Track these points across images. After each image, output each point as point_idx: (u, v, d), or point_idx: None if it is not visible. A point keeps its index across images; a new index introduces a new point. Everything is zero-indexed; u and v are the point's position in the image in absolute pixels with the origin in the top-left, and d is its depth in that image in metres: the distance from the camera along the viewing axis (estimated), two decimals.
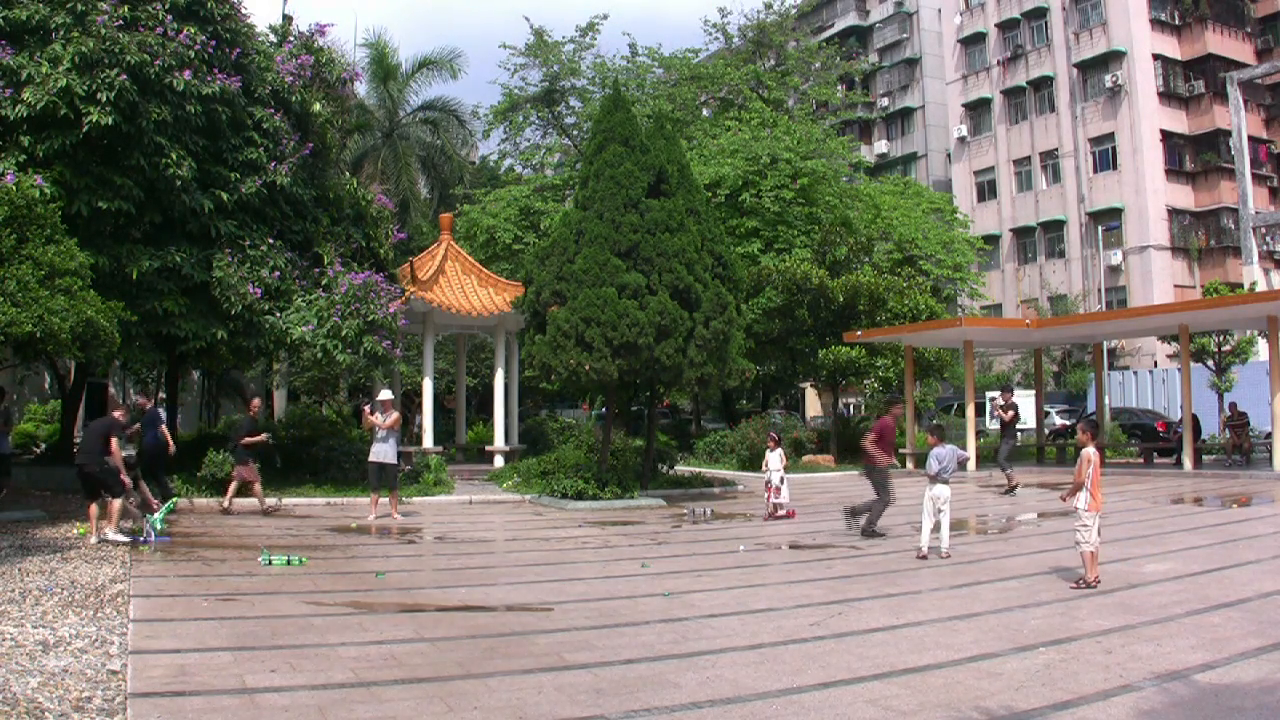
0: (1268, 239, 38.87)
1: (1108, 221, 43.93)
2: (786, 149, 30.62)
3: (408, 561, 10.62)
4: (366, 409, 14.92)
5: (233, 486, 14.60)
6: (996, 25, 49.89)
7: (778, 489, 14.27)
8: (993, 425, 18.67)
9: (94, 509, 11.13)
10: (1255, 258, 35.88)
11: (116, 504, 11.12)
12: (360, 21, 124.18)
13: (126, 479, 11.38)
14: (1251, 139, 39.51)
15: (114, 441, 11.13)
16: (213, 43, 15.38)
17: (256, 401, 16.56)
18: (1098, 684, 5.61)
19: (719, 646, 6.55)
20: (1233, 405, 24.18)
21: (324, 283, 16.27)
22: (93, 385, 21.43)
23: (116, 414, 11.84)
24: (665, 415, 35.15)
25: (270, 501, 14.64)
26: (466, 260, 23.13)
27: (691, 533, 12.98)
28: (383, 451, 14.04)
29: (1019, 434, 18.69)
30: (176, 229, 15.25)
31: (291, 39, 18.06)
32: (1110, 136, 44.92)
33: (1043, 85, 47.90)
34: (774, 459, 14.40)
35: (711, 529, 13.43)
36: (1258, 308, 20.50)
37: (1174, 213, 44.07)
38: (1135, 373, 37.63)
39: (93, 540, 10.87)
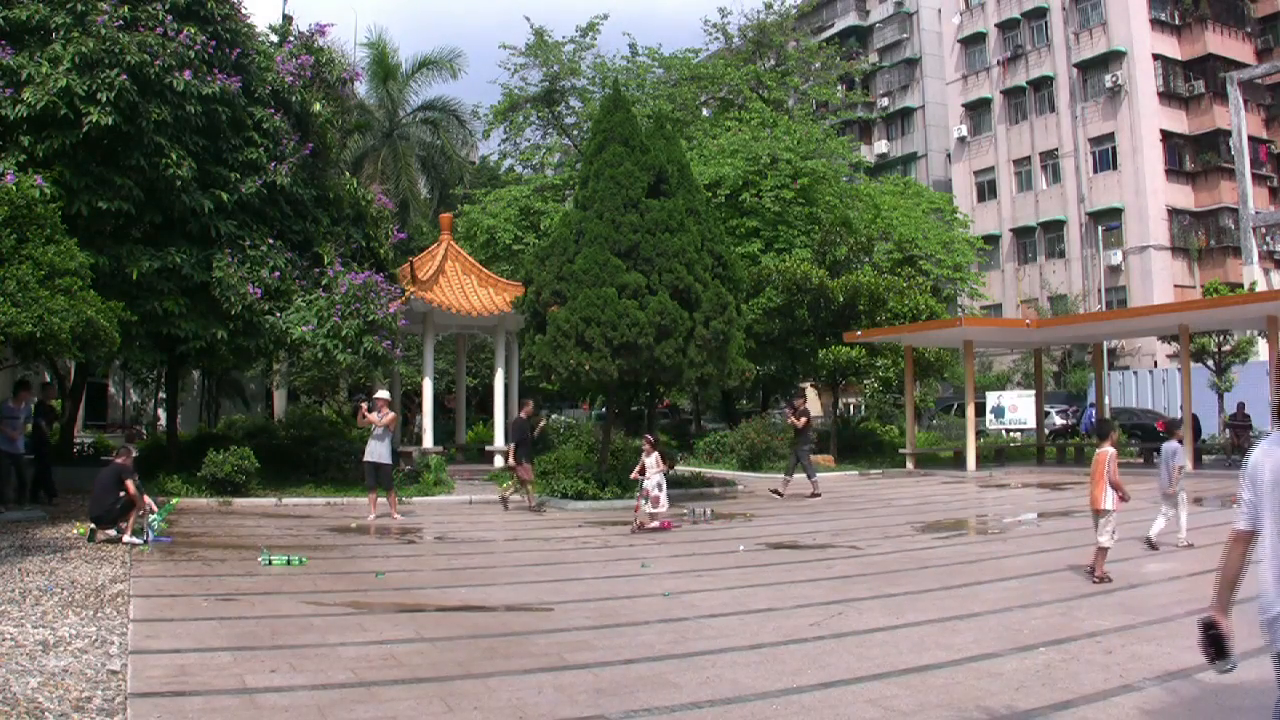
0: (1268, 239, 38.83)
1: (1108, 221, 43.89)
2: (787, 149, 30.59)
3: (407, 561, 10.62)
4: (364, 407, 14.95)
5: (514, 482, 15.84)
6: (996, 25, 49.85)
7: (656, 498, 13.06)
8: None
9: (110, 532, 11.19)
10: (1255, 258, 35.82)
11: (132, 518, 11.21)
12: (360, 21, 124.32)
13: (146, 499, 11.41)
14: (1251, 139, 39.46)
15: (129, 484, 11.07)
16: (213, 43, 15.36)
17: (529, 404, 17.01)
18: (1098, 684, 5.61)
19: (719, 646, 6.55)
20: (1240, 405, 24.17)
21: (324, 283, 16.26)
22: (93, 385, 21.42)
23: (120, 460, 11.46)
24: (665, 415, 35.12)
25: (536, 499, 15.88)
26: (466, 260, 23.12)
27: (691, 533, 12.99)
28: (377, 451, 14.03)
29: (812, 444, 19.05)
30: (176, 229, 15.24)
31: (292, 39, 18.05)
32: (1110, 136, 44.89)
33: (1043, 85, 47.86)
34: (650, 463, 13.31)
35: (711, 529, 13.44)
36: (1258, 308, 20.49)
37: (1174, 213, 44.03)
38: (1135, 373, 37.59)
39: (127, 539, 10.91)
